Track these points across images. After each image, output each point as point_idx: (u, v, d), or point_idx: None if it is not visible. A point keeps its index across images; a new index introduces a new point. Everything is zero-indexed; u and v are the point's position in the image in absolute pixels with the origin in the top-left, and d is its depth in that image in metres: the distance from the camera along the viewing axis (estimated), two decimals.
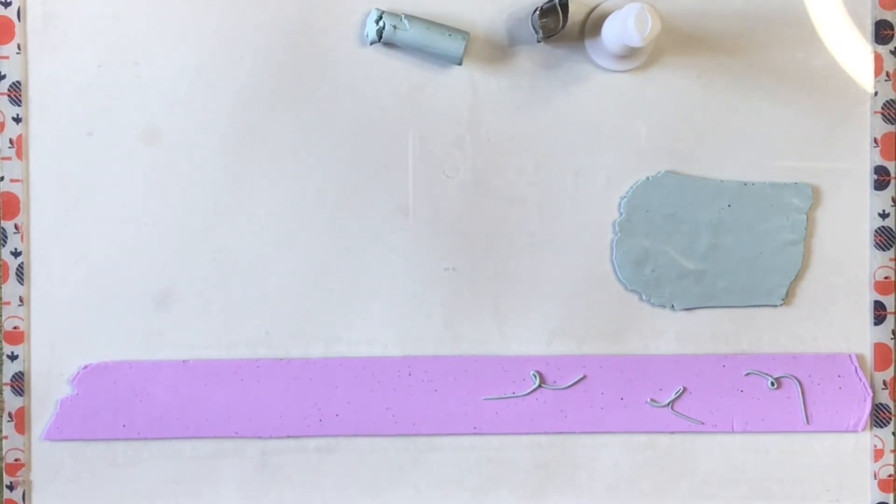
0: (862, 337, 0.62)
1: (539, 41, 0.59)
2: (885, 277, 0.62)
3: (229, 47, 0.60)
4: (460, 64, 0.59)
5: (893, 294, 0.62)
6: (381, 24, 0.59)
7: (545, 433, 0.61)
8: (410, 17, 0.59)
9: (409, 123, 0.61)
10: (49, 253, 0.60)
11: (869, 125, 0.62)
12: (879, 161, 0.62)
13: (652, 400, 0.61)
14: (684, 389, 0.61)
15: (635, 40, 0.55)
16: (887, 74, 0.62)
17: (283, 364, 0.61)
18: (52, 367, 0.61)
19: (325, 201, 0.61)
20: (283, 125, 0.61)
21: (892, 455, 0.62)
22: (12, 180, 0.60)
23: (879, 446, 0.62)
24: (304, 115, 0.61)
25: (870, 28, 0.62)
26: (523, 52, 0.61)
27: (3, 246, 0.60)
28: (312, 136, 0.61)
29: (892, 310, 0.62)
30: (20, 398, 0.61)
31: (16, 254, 0.60)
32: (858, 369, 0.62)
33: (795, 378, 0.62)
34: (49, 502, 0.61)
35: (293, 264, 0.61)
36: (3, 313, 0.60)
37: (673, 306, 0.62)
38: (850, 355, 0.62)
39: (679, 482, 0.62)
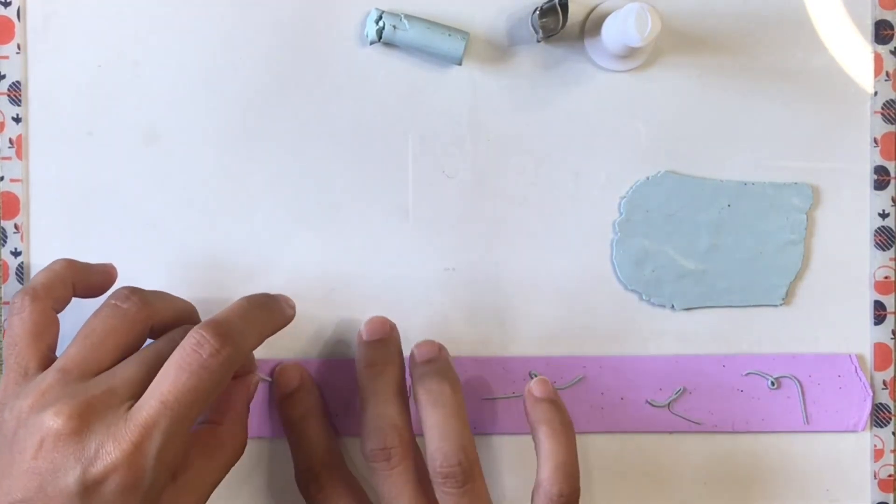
0: (862, 337, 0.62)
1: (539, 41, 0.59)
2: (885, 277, 0.62)
3: (229, 47, 0.60)
4: (460, 64, 0.59)
5: (893, 294, 0.62)
6: (381, 24, 0.59)
7: None
8: (410, 17, 0.59)
9: (409, 123, 0.61)
10: (49, 253, 0.60)
11: (869, 125, 0.62)
12: (879, 161, 0.62)
13: (651, 400, 0.61)
14: (684, 389, 0.61)
15: (635, 40, 0.55)
16: (887, 74, 0.62)
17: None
18: None
19: (325, 201, 0.61)
20: (282, 125, 0.61)
21: (892, 455, 0.62)
22: (12, 180, 0.60)
23: (879, 446, 0.62)
24: (303, 115, 0.61)
25: (870, 28, 0.62)
26: (523, 52, 0.61)
27: (3, 246, 0.60)
28: (312, 136, 0.61)
29: (892, 310, 0.62)
30: None
31: (16, 254, 0.60)
32: (858, 369, 0.62)
33: (795, 378, 0.62)
34: None
35: (293, 264, 0.61)
36: (3, 313, 0.60)
37: (673, 306, 0.62)
38: (850, 355, 0.62)
39: (679, 482, 0.62)
